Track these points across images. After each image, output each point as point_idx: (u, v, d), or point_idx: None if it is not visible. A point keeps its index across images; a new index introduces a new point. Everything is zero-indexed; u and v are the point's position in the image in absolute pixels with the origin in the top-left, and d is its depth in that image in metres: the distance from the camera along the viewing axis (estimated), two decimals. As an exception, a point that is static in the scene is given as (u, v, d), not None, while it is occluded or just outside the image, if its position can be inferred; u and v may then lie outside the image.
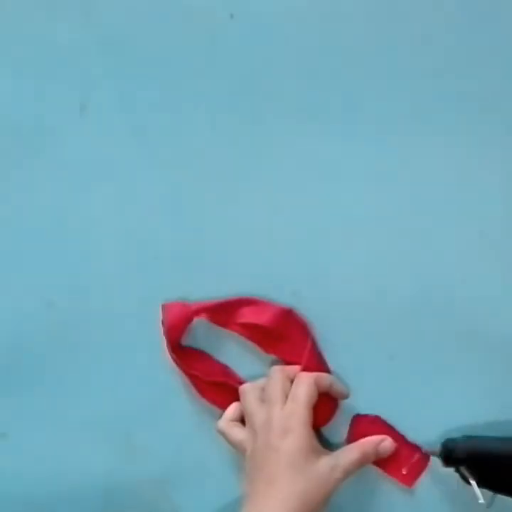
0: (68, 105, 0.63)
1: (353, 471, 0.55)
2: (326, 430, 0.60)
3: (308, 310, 0.60)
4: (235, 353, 0.62)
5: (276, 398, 0.56)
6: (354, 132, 0.60)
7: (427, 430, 0.59)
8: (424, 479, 0.59)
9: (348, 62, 0.60)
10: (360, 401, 0.60)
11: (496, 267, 0.59)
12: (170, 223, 0.63)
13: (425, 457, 0.59)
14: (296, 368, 0.59)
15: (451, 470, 0.56)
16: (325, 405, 0.58)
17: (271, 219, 0.62)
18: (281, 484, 0.53)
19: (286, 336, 0.60)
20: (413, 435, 0.59)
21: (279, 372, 0.58)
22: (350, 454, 0.55)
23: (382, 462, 0.59)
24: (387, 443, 0.58)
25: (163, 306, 0.61)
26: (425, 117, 0.59)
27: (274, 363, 0.60)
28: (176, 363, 0.60)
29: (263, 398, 0.57)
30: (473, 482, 0.55)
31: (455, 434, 0.58)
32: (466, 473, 0.55)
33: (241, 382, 0.60)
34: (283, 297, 0.61)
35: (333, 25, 0.60)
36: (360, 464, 0.56)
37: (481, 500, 0.55)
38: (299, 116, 0.61)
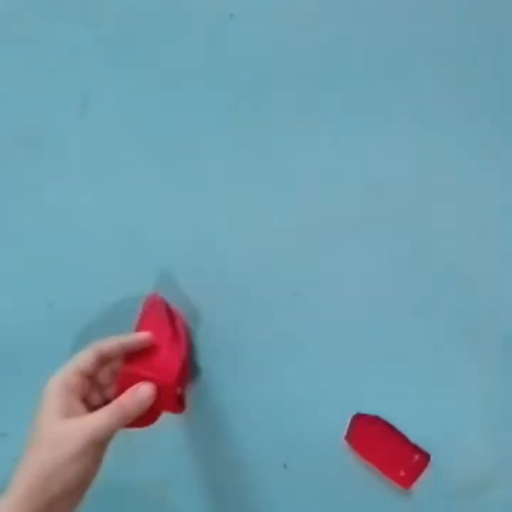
0: (68, 105, 0.63)
1: (106, 431, 0.51)
2: (324, 431, 0.60)
3: (309, 310, 0.61)
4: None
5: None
6: (354, 132, 0.60)
7: (426, 430, 0.59)
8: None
9: (348, 61, 0.60)
10: (361, 401, 0.60)
11: (496, 267, 0.59)
12: (170, 223, 0.63)
13: (425, 458, 0.59)
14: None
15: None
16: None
17: (271, 218, 0.62)
18: (29, 450, 0.51)
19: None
20: (413, 435, 0.59)
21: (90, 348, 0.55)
22: (101, 414, 0.51)
23: (380, 463, 0.59)
24: (144, 387, 0.54)
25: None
26: (425, 117, 0.59)
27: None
28: None
29: None
30: None
31: (455, 433, 0.58)
32: None
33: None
34: (283, 297, 0.61)
35: (333, 24, 0.60)
36: (118, 421, 0.52)
37: None
38: (299, 116, 0.61)
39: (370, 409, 0.60)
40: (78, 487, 0.50)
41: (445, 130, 0.59)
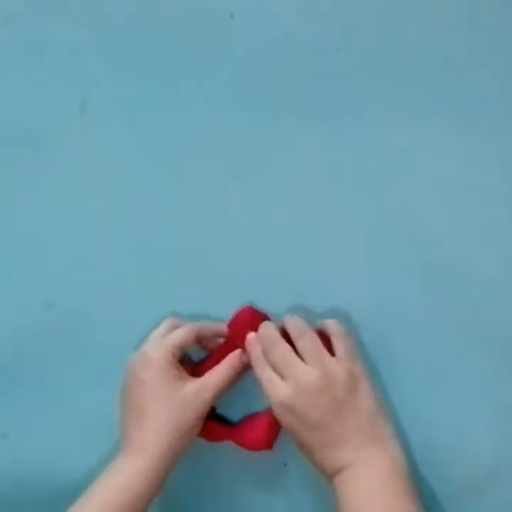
0: (68, 105, 0.63)
1: (223, 388, 0.58)
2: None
3: (311, 310, 0.61)
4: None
5: (151, 337, 0.59)
6: (354, 132, 0.60)
7: (427, 430, 0.59)
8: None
9: (348, 62, 0.60)
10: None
11: (496, 266, 0.59)
12: (170, 223, 0.63)
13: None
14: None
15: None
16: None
17: (272, 218, 0.62)
18: (151, 415, 0.55)
19: None
20: (413, 435, 0.59)
21: (169, 321, 0.60)
22: (218, 371, 0.58)
23: (241, 440, 0.60)
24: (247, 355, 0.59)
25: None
26: (425, 116, 0.60)
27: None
28: None
29: None
30: None
31: (456, 434, 0.58)
32: None
33: None
34: (285, 297, 0.61)
35: (332, 25, 0.60)
36: (229, 379, 0.58)
37: None
38: (299, 116, 0.61)
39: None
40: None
41: (446, 130, 0.59)
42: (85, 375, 0.64)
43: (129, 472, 0.55)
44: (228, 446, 0.60)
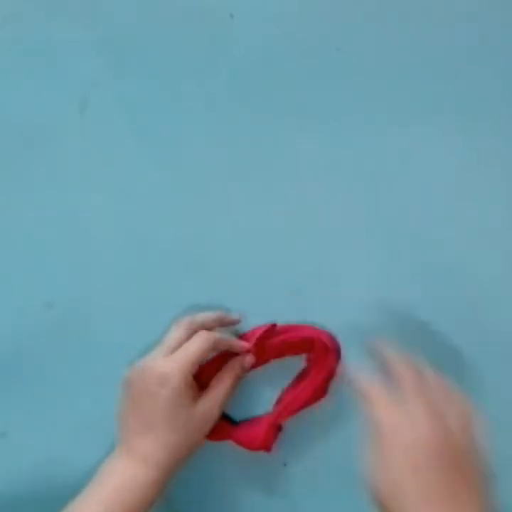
0: (68, 105, 0.63)
1: (229, 398, 0.58)
2: (323, 429, 0.60)
3: (309, 309, 0.61)
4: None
5: (165, 345, 0.57)
6: (354, 132, 0.60)
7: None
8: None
9: (348, 61, 0.60)
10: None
11: (497, 267, 0.59)
12: (170, 223, 0.63)
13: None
14: (206, 317, 0.59)
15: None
16: None
17: (272, 218, 0.62)
18: (159, 430, 0.55)
19: None
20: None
21: (183, 324, 0.58)
22: (222, 384, 0.57)
23: (239, 437, 0.60)
24: (249, 357, 0.59)
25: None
26: (425, 116, 0.60)
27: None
28: None
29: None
30: None
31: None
32: None
33: None
34: (283, 296, 0.61)
35: (332, 25, 0.60)
36: (234, 387, 0.58)
37: None
38: (299, 116, 0.61)
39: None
40: None
41: (446, 130, 0.59)
42: (85, 375, 0.63)
43: (131, 481, 0.54)
44: (228, 446, 0.60)
